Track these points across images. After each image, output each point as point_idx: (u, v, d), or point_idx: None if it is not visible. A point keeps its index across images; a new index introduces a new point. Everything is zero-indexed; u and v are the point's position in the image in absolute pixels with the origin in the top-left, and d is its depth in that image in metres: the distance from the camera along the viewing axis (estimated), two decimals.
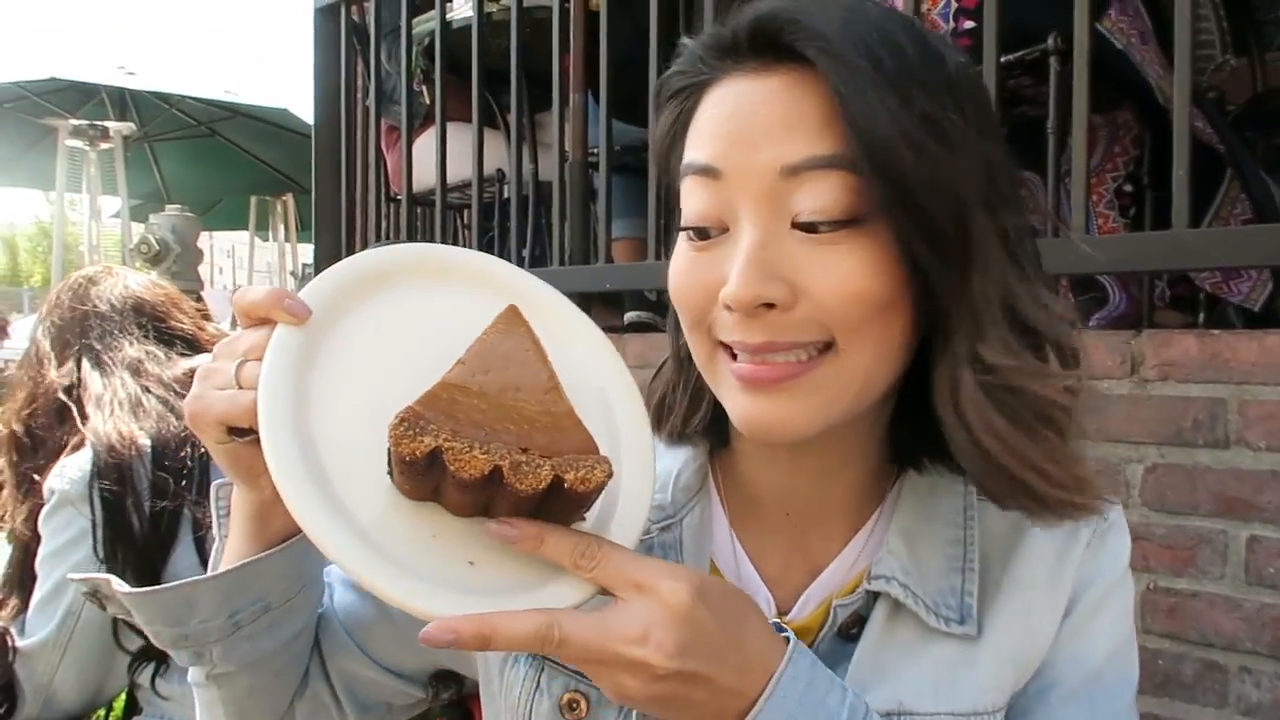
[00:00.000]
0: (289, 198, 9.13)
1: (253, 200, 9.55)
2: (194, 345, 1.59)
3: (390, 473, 0.57)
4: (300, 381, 0.58)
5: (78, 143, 7.19)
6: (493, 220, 2.68)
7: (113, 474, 1.35)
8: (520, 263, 2.14)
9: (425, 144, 2.69)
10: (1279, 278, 1.67)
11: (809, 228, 0.58)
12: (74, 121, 7.11)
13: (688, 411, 0.73)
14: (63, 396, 1.44)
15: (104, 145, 7.20)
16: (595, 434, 0.57)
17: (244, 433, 0.60)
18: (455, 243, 3.07)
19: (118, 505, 1.35)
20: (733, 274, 0.58)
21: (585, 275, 2.19)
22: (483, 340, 0.58)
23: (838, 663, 0.65)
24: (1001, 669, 0.67)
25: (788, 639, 0.59)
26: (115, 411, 1.41)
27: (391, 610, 0.75)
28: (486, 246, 2.63)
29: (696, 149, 0.62)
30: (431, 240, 2.71)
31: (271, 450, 0.55)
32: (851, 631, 0.68)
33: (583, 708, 0.68)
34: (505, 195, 2.57)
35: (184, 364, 1.53)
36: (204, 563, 1.33)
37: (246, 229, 10.13)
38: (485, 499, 0.56)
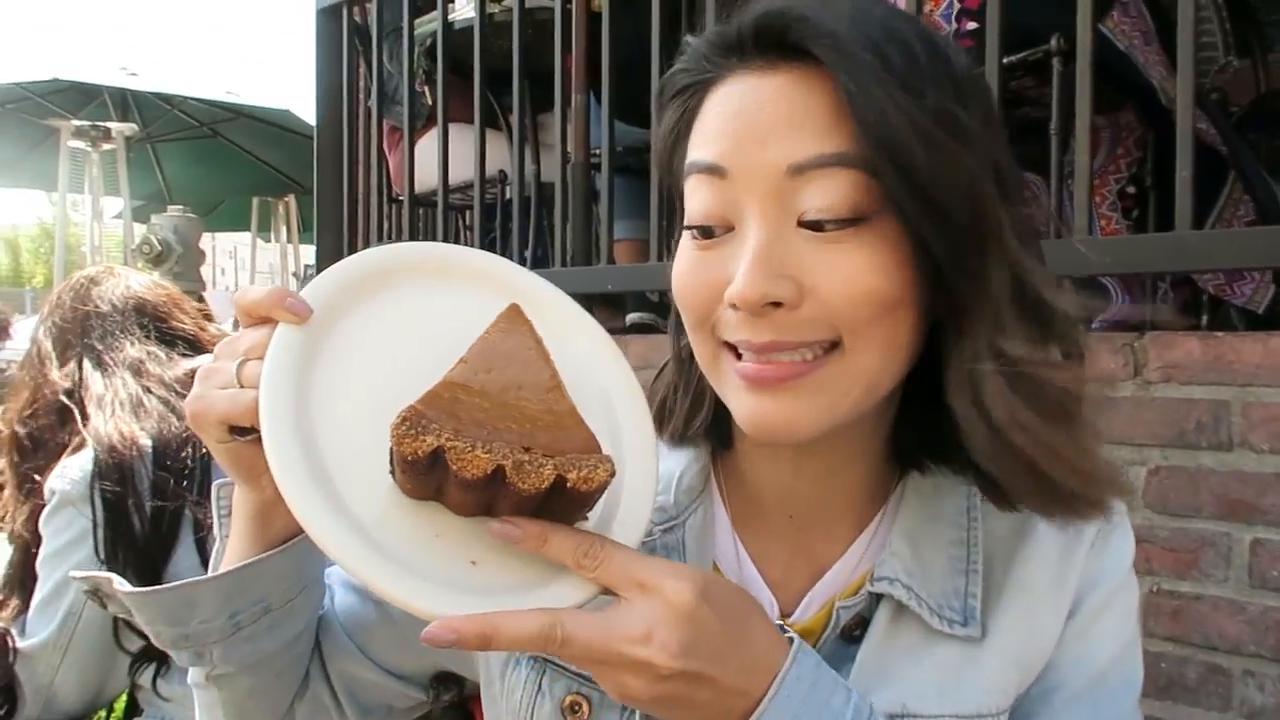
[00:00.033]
0: (291, 199, 9.14)
1: (255, 201, 9.56)
2: (195, 346, 1.59)
3: (392, 472, 0.57)
4: (302, 380, 0.58)
5: (80, 144, 7.20)
6: (495, 221, 2.68)
7: (114, 474, 1.35)
8: (522, 264, 2.13)
9: (427, 145, 2.69)
10: None
11: (815, 226, 0.58)
12: (76, 122, 7.11)
13: (689, 413, 0.72)
14: (64, 398, 1.44)
15: (106, 146, 7.20)
16: (597, 433, 0.57)
17: (245, 432, 0.60)
18: (457, 244, 3.07)
19: (119, 506, 1.35)
20: (739, 272, 0.58)
21: (587, 276, 2.19)
22: (485, 339, 0.58)
23: (840, 665, 0.65)
24: (1005, 671, 0.67)
25: (792, 639, 0.59)
26: (116, 412, 1.41)
27: (392, 611, 0.75)
28: (488, 247, 2.61)
29: (701, 147, 0.62)
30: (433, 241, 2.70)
31: (273, 449, 0.54)
32: (854, 633, 0.68)
33: (584, 710, 0.68)
34: (507, 196, 2.57)
35: (185, 364, 1.52)
36: (205, 563, 1.33)
37: (249, 230, 10.15)
38: (488, 498, 0.56)
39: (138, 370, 1.48)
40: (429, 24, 2.65)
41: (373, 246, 0.68)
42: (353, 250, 2.88)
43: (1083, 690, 0.69)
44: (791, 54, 0.59)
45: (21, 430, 1.45)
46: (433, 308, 0.64)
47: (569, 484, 0.54)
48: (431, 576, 0.54)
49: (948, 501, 0.69)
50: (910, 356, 0.62)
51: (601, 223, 2.22)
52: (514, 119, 2.39)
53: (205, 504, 1.34)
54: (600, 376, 0.65)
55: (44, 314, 1.58)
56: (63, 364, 1.49)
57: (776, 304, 0.58)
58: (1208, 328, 1.67)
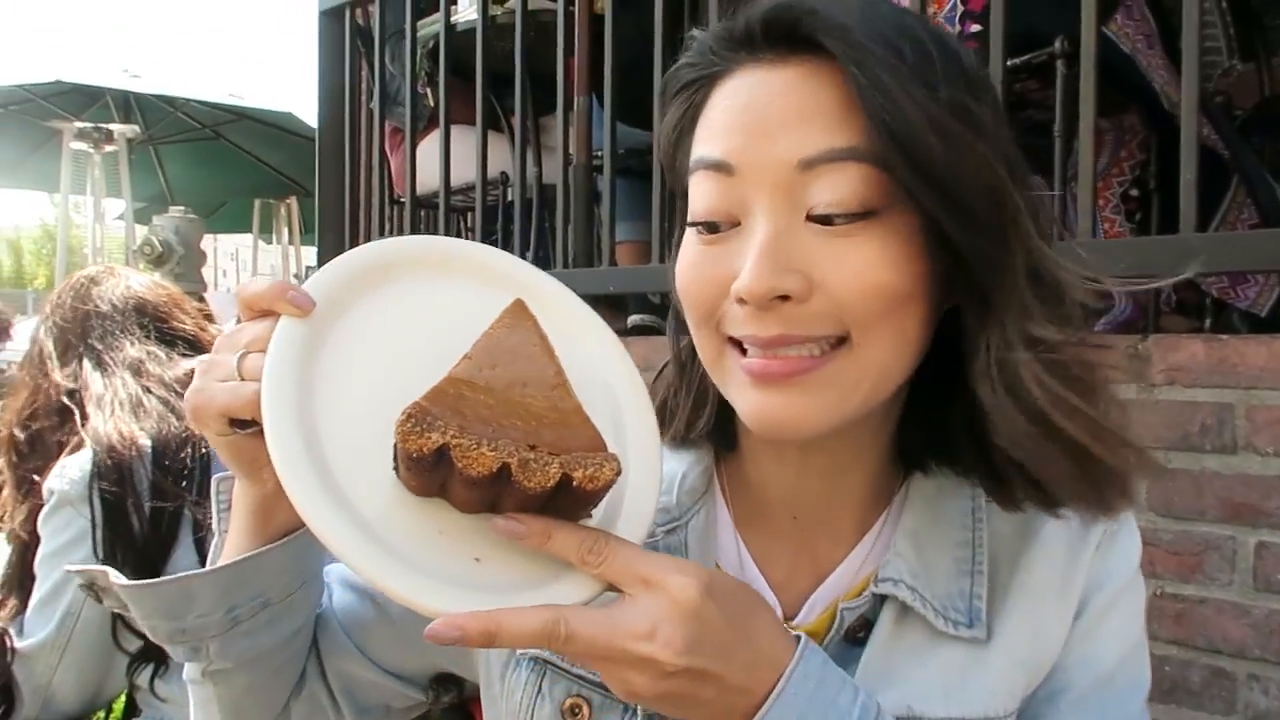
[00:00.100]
0: (293, 201, 9.15)
1: (256, 203, 9.57)
2: (196, 346, 1.58)
3: (396, 468, 0.56)
4: (304, 373, 0.57)
5: (82, 145, 7.21)
6: (496, 223, 2.68)
7: (113, 474, 1.35)
8: None
9: (429, 147, 2.69)
10: None
11: (825, 220, 0.58)
12: (79, 124, 7.12)
13: (691, 415, 0.72)
14: (66, 399, 1.44)
15: (108, 148, 7.21)
16: (602, 430, 0.56)
17: (246, 424, 0.59)
18: None
19: (118, 506, 1.34)
20: (746, 266, 0.58)
21: (589, 278, 2.18)
22: (489, 335, 0.58)
23: (845, 667, 0.64)
24: (1012, 673, 0.66)
25: (798, 637, 0.58)
26: (116, 412, 1.41)
27: (392, 610, 0.74)
28: None
29: (708, 142, 0.61)
30: None
31: (275, 441, 0.54)
32: (859, 635, 0.67)
33: (584, 712, 0.67)
34: (509, 198, 2.57)
35: (185, 364, 1.52)
36: (204, 563, 1.33)
37: (250, 232, 10.16)
38: (492, 496, 0.55)
39: (137, 370, 1.48)
40: (431, 26, 2.66)
41: None
42: None
43: (1089, 692, 0.68)
44: (801, 47, 0.58)
45: (20, 431, 1.45)
46: (435, 302, 0.63)
47: (575, 482, 0.54)
48: (435, 573, 0.54)
49: (952, 503, 0.69)
50: (919, 352, 0.62)
51: (603, 225, 2.22)
52: (516, 121, 2.39)
53: (204, 504, 1.33)
54: (604, 372, 0.65)
55: (45, 314, 1.58)
56: (65, 364, 1.48)
57: (784, 298, 0.57)
58: (1211, 331, 1.67)
